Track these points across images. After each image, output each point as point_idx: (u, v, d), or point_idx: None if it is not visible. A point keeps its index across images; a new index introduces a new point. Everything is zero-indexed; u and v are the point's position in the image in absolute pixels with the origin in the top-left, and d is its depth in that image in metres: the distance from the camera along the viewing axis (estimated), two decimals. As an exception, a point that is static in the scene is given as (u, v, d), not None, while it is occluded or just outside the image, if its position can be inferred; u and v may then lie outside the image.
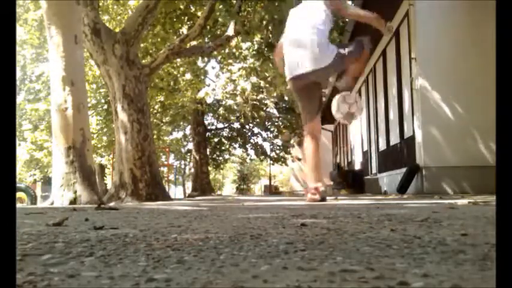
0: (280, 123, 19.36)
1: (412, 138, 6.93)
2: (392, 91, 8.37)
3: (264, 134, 20.86)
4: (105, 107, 15.25)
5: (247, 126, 20.45)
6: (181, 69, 13.31)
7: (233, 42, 10.79)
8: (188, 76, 13.73)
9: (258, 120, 18.60)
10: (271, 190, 23.83)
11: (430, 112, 6.41)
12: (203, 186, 17.65)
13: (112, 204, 5.87)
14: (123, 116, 7.20)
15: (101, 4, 9.81)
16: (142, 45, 11.12)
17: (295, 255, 0.88)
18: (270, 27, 8.42)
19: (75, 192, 5.01)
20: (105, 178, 21.24)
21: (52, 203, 4.94)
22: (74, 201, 4.90)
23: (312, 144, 3.87)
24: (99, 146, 17.02)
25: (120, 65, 7.21)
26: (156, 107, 15.37)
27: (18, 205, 8.86)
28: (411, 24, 6.83)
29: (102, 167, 20.23)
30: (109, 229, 1.48)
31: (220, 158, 20.86)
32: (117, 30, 8.51)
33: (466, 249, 0.92)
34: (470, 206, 2.67)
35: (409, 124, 7.19)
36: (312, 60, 3.71)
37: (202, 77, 15.16)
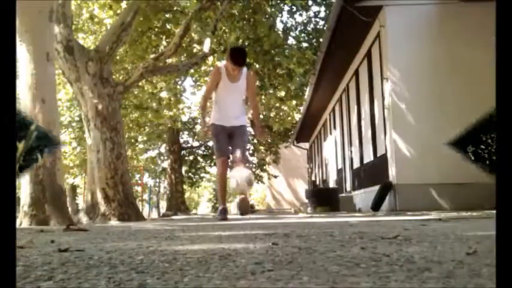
0: (256, 141, 19.38)
1: (385, 155, 7.08)
2: (365, 109, 8.57)
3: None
4: (79, 125, 14.98)
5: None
6: (159, 86, 13.26)
7: (209, 61, 10.86)
8: (165, 94, 13.69)
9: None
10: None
11: (402, 130, 6.58)
12: (178, 205, 17.37)
13: (83, 224, 5.68)
14: (95, 134, 7.05)
15: (75, 22, 9.69)
16: (120, 63, 11.02)
17: (262, 276, 0.89)
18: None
19: (44, 212, 4.83)
20: (76, 198, 20.63)
21: (20, 224, 4.74)
22: (42, 222, 4.72)
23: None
24: (71, 165, 16.58)
25: (94, 82, 7.09)
26: (131, 125, 15.15)
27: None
28: (382, 46, 7.05)
29: (73, 187, 19.65)
30: (74, 251, 1.43)
31: (196, 176, 20.58)
32: (92, 47, 8.43)
33: (431, 267, 0.95)
34: (441, 223, 2.72)
35: (382, 142, 7.35)
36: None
37: (179, 96, 15.15)
